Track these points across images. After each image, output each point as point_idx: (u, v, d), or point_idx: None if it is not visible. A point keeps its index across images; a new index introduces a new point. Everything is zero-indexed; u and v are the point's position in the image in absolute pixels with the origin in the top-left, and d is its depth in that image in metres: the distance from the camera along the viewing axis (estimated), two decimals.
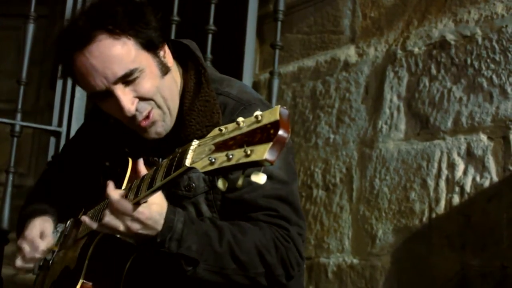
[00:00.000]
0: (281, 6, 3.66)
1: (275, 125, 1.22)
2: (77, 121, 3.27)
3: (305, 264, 3.27)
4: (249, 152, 1.23)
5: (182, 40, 2.08)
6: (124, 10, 1.84)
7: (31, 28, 3.30)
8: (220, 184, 1.33)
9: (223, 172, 1.30)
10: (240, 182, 1.30)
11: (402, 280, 2.88)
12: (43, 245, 2.05)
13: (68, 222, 2.15)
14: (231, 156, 1.26)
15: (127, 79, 1.82)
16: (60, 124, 3.38)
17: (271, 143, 1.20)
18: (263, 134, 1.23)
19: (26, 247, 2.04)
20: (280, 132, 1.21)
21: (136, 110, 1.86)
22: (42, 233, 2.06)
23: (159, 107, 1.89)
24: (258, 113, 1.27)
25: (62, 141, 3.32)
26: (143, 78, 1.84)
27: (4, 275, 3.25)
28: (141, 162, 1.78)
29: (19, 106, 3.27)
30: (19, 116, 3.26)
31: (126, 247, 1.78)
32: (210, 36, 3.52)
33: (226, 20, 3.70)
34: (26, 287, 3.60)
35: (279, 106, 1.24)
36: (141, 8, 1.88)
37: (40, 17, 3.55)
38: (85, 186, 2.14)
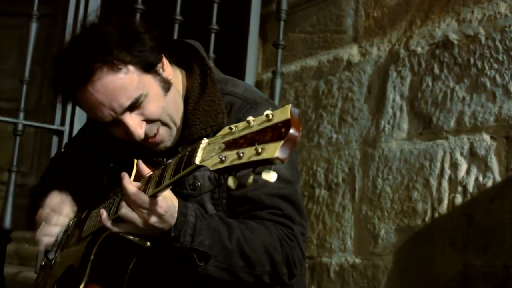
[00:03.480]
0: (284, 6, 3.66)
1: (287, 123, 1.22)
2: (80, 120, 3.26)
3: (308, 264, 3.27)
4: (260, 150, 1.23)
5: (186, 40, 2.08)
6: (119, 36, 1.82)
7: (33, 27, 3.30)
8: (231, 182, 1.33)
9: (233, 170, 1.30)
10: (250, 180, 1.29)
11: (404, 279, 2.88)
12: (62, 216, 2.05)
13: (70, 221, 2.15)
14: (241, 154, 1.26)
15: (134, 106, 1.83)
16: (62, 123, 3.38)
17: (282, 141, 1.20)
18: (274, 132, 1.23)
19: (50, 212, 2.04)
20: (291, 131, 1.21)
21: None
22: (59, 205, 2.07)
23: (165, 124, 1.90)
24: (269, 112, 1.27)
25: (65, 140, 3.32)
26: (148, 101, 1.85)
27: (6, 274, 3.25)
28: (141, 162, 1.78)
29: (22, 105, 3.27)
30: (21, 115, 3.26)
31: (130, 247, 1.78)
32: (213, 35, 3.52)
33: (228, 20, 3.71)
34: (27, 285, 3.60)
35: (290, 105, 1.25)
36: (135, 29, 1.87)
37: (43, 16, 3.55)
38: (88, 186, 2.14)
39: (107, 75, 1.79)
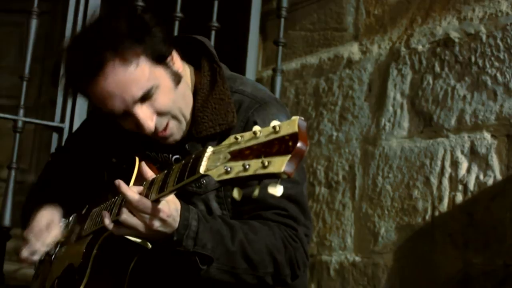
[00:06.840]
0: (284, 3, 3.64)
1: (294, 137, 1.20)
2: (80, 117, 3.25)
3: None
4: (266, 163, 1.21)
5: (195, 36, 2.07)
6: (129, 28, 1.81)
7: (33, 24, 3.28)
8: (236, 193, 1.31)
9: (238, 182, 1.28)
10: (256, 193, 1.27)
11: (404, 278, 2.88)
12: (50, 237, 2.03)
13: (71, 218, 2.14)
14: (247, 166, 1.24)
15: (145, 97, 1.82)
16: (62, 120, 3.37)
17: (289, 156, 1.18)
18: (281, 145, 1.21)
19: (32, 239, 2.01)
20: (299, 145, 1.19)
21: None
22: (48, 225, 2.04)
23: (175, 117, 1.89)
24: (276, 123, 1.25)
25: (65, 137, 3.30)
26: (158, 93, 1.83)
27: (6, 271, 3.25)
28: (144, 164, 1.76)
29: (22, 102, 3.26)
30: (21, 111, 3.25)
31: (131, 247, 1.77)
32: (213, 32, 3.51)
33: (229, 17, 3.70)
34: (27, 282, 3.60)
35: (298, 117, 1.23)
36: (145, 21, 1.86)
37: (43, 13, 3.54)
38: (89, 181, 2.13)
39: (119, 67, 1.78)
